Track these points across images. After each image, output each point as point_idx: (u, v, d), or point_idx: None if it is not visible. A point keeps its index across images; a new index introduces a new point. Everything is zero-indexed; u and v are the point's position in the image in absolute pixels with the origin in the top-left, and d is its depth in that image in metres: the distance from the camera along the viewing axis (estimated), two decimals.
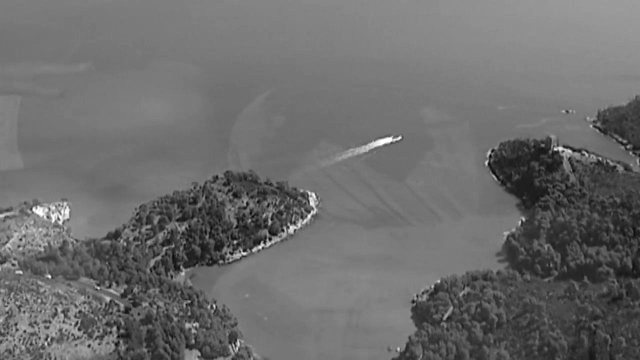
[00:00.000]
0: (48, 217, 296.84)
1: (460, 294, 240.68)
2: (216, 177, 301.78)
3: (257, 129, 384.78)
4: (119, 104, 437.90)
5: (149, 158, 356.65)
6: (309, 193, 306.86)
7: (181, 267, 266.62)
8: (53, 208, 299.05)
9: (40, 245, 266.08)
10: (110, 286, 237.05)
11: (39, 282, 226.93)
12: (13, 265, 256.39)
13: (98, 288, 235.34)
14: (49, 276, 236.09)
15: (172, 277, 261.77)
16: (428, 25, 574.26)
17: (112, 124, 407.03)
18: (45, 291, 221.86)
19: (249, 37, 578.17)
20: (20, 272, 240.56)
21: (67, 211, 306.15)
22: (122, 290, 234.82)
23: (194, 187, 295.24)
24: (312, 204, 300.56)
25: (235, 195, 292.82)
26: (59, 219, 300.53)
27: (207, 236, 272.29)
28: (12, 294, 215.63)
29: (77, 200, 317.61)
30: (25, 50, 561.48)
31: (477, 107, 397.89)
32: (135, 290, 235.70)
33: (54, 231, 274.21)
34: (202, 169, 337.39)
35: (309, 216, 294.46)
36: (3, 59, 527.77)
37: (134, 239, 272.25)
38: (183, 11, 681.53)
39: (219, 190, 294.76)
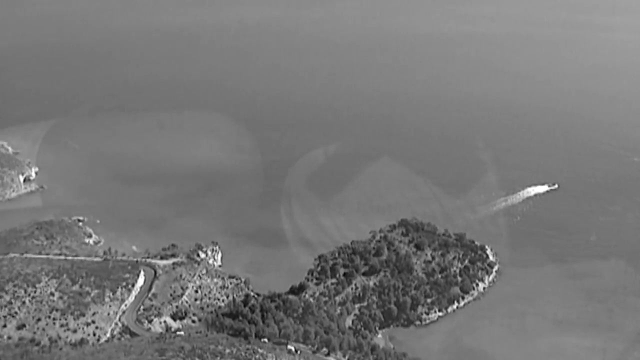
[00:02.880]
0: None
1: None
2: (394, 226, 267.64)
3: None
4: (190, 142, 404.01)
5: (281, 199, 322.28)
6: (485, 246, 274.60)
7: (376, 328, 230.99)
8: (209, 253, 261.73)
9: (219, 299, 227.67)
10: (329, 353, 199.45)
11: (259, 349, 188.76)
12: (193, 322, 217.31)
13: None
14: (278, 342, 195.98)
15: (370, 339, 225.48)
16: (522, 70, 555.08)
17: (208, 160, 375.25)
18: None
19: (327, 74, 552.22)
20: (181, 333, 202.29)
21: (219, 256, 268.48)
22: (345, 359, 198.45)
23: (373, 237, 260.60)
24: (491, 258, 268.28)
25: (418, 247, 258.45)
26: (212, 265, 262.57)
27: (400, 293, 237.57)
28: None
29: (222, 244, 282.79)
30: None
31: (611, 156, 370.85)
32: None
33: (230, 282, 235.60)
34: (357, 214, 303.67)
35: (494, 272, 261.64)
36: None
37: (321, 294, 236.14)
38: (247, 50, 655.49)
39: (400, 241, 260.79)
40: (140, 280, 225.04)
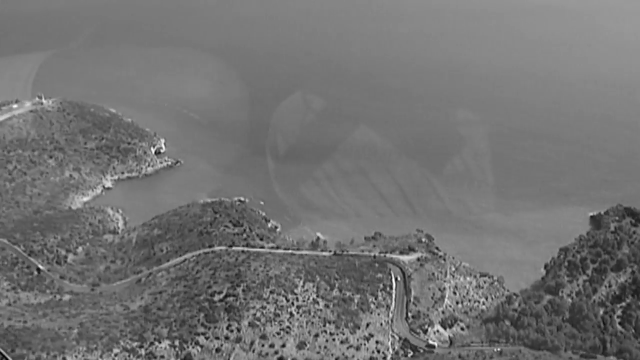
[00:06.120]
0: None
1: None
2: (622, 215, 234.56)
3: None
4: None
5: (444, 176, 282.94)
6: None
7: None
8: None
9: (479, 301, 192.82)
10: None
11: None
12: (462, 329, 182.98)
13: None
14: None
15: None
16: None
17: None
18: None
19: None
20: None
21: None
22: None
23: (606, 227, 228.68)
24: None
25: None
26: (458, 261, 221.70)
27: None
28: None
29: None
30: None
31: None
32: None
33: (484, 281, 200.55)
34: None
35: None
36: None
37: (577, 294, 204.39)
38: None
39: (634, 232, 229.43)
40: (393, 281, 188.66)
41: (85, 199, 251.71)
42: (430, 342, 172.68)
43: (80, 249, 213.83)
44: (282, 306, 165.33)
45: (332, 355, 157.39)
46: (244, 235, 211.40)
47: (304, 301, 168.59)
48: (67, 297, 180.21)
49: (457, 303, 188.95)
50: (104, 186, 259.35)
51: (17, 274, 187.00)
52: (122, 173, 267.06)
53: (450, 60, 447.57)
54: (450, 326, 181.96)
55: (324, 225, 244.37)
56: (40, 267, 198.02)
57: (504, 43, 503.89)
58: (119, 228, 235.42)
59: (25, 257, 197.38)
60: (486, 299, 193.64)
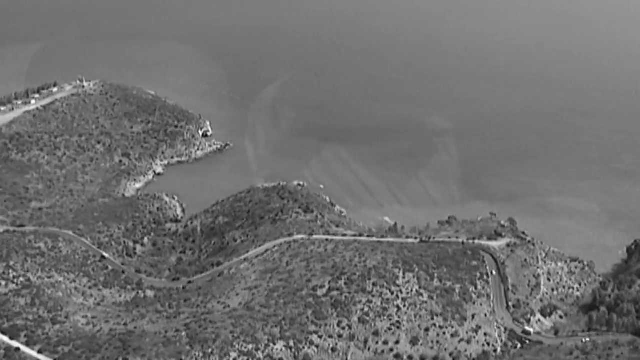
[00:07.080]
0: None
1: None
2: None
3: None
4: None
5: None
6: None
7: None
8: None
9: (573, 288, 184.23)
10: None
11: None
12: (561, 317, 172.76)
13: None
14: None
15: None
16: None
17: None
18: None
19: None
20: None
21: None
22: None
23: None
24: None
25: None
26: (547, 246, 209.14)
27: None
28: None
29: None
30: None
31: None
32: None
33: (574, 266, 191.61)
34: None
35: None
36: None
37: None
38: None
39: None
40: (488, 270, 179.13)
41: (138, 185, 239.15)
42: (527, 328, 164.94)
43: (146, 239, 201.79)
44: (387, 299, 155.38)
45: (445, 350, 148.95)
46: (319, 223, 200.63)
47: (407, 293, 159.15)
48: (149, 292, 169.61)
49: (553, 290, 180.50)
50: (154, 171, 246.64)
51: (92, 269, 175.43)
52: (172, 157, 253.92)
53: (489, 37, 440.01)
54: (550, 314, 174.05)
55: (388, 210, 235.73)
56: (105, 255, 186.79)
57: (540, 19, 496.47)
58: (178, 216, 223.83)
59: (95, 250, 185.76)
60: (579, 284, 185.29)
